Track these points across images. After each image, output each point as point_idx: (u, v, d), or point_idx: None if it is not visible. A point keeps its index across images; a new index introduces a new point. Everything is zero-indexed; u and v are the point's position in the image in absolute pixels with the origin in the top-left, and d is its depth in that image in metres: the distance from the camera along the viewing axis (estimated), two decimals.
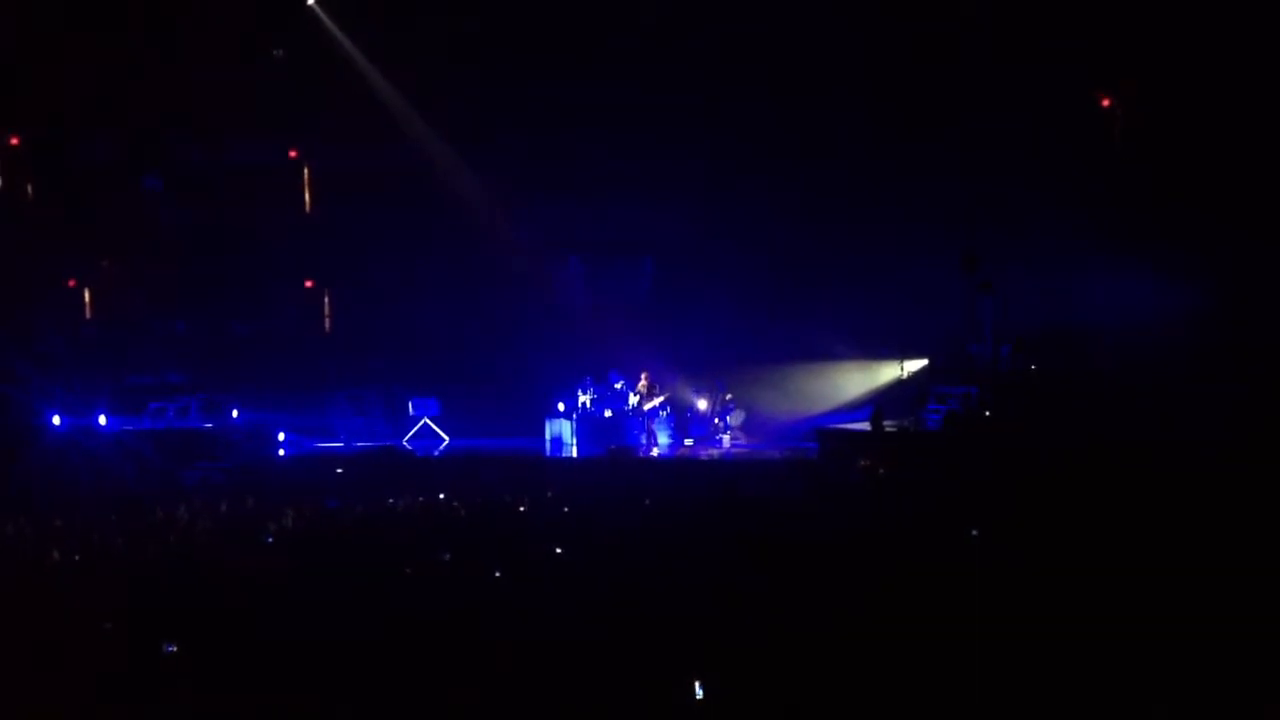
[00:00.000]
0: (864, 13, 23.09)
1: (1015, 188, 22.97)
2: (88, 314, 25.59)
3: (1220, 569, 10.61)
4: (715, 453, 23.08)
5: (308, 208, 25.95)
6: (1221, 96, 21.78)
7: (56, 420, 21.47)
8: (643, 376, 23.59)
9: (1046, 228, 22.71)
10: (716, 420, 24.06)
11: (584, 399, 23.46)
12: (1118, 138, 23.42)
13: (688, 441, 23.78)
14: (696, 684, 8.00)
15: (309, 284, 26.28)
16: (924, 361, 23.91)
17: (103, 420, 21.88)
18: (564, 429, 23.55)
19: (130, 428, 21.92)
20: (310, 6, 24.25)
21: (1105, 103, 23.52)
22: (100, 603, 10.51)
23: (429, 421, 24.64)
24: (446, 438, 24.45)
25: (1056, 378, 21.24)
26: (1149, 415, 18.89)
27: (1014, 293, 22.10)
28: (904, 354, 23.93)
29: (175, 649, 9.17)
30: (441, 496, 16.74)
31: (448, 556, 12.38)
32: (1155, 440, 17.86)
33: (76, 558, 12.76)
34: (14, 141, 25.04)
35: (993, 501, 14.85)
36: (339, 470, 20.98)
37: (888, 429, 21.41)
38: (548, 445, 23.61)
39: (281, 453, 22.81)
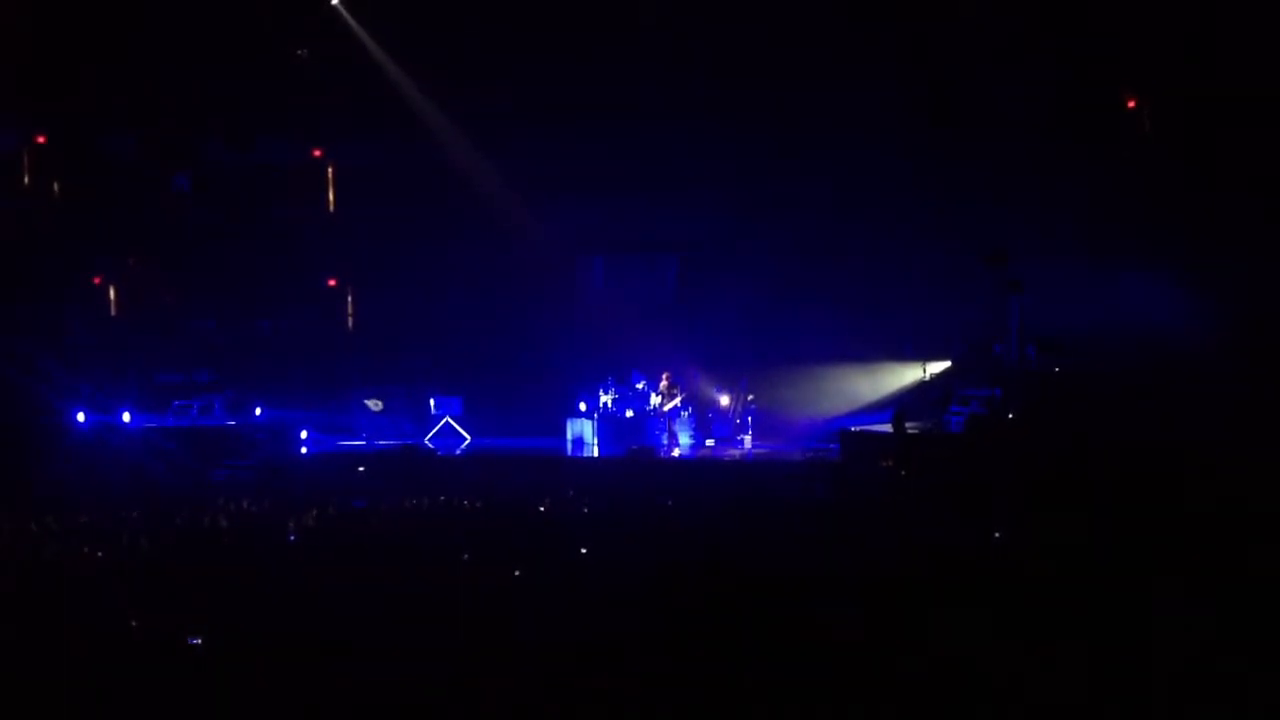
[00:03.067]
0: (891, 8, 22.99)
1: (1041, 186, 22.85)
2: (113, 311, 25.71)
3: (1254, 574, 10.49)
4: (737, 453, 23.05)
5: (331, 206, 26.02)
6: (1251, 95, 21.57)
7: (81, 417, 21.62)
8: (664, 376, 23.58)
9: (1073, 226, 22.56)
10: (738, 420, 24.04)
11: (606, 399, 23.48)
12: (1145, 133, 23.22)
13: (709, 442, 23.74)
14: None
15: (332, 282, 26.34)
16: (948, 362, 23.80)
17: (127, 417, 22.03)
18: (585, 429, 23.59)
19: (154, 425, 22.08)
20: (334, 6, 24.28)
21: (1131, 103, 23.35)
22: (126, 600, 10.58)
23: (451, 420, 24.67)
24: (468, 437, 24.48)
25: (1083, 379, 21.07)
26: (1177, 418, 18.71)
27: (1040, 292, 21.97)
28: (928, 355, 23.83)
29: (199, 642, 9.25)
30: (466, 504, 16.74)
31: (467, 557, 12.41)
32: (1185, 444, 17.68)
33: (100, 554, 12.84)
34: (40, 140, 25.16)
35: (1013, 507, 14.74)
36: (361, 469, 21.04)
37: (910, 430, 21.32)
38: (569, 445, 23.65)
39: (304, 450, 22.91)
